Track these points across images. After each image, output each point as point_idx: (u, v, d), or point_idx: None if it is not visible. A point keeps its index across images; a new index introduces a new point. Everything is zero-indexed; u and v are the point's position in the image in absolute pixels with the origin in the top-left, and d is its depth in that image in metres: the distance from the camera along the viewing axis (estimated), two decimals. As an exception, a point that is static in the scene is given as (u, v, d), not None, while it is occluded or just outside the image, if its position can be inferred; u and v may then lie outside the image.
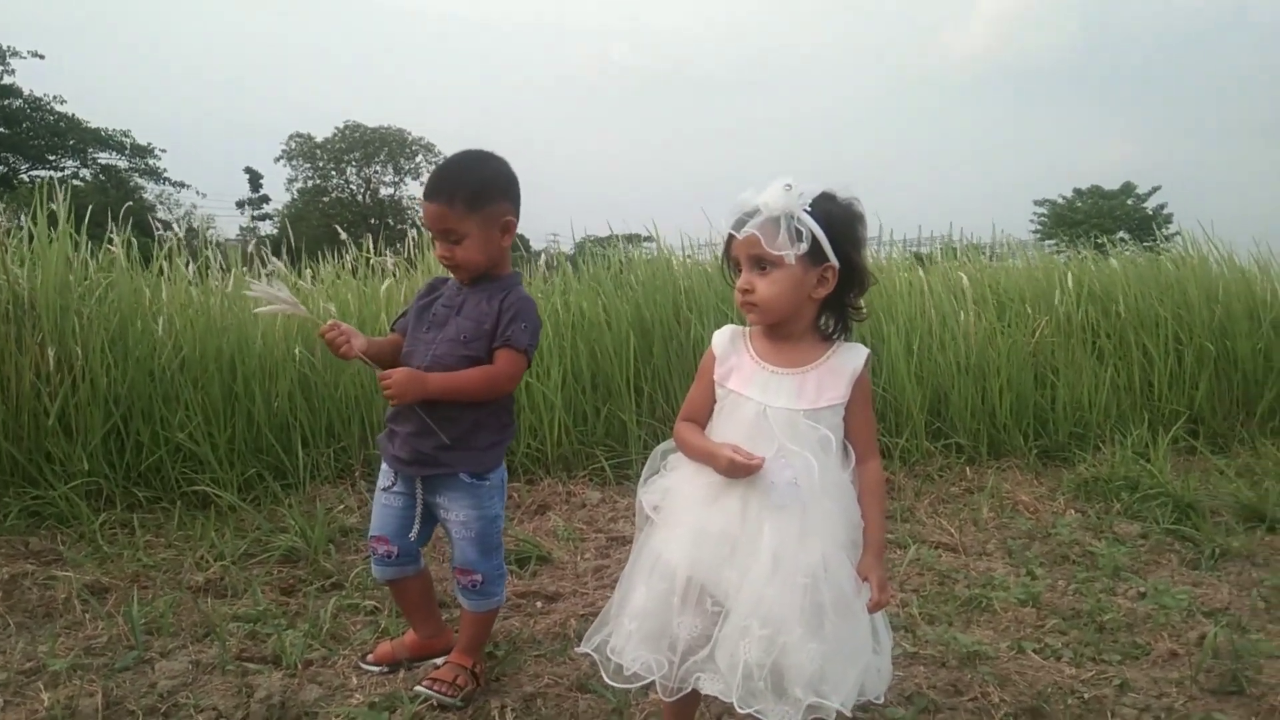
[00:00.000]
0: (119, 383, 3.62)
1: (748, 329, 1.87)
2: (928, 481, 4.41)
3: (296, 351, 3.89)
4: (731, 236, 1.74)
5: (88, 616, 2.62)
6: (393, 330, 2.34)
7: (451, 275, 2.27)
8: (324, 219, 55.48)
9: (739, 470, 1.68)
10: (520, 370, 2.22)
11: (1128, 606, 2.93)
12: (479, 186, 2.14)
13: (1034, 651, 2.56)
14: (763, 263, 1.70)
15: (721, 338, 1.88)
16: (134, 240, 4.36)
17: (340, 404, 3.96)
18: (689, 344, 4.46)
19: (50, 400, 3.49)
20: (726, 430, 1.79)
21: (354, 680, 2.32)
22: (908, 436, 4.54)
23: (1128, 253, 7.53)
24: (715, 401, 1.85)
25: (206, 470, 3.61)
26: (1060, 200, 46.04)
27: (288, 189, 48.96)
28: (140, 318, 3.87)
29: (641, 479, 1.91)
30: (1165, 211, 43.94)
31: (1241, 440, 5.22)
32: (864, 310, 1.88)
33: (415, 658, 2.41)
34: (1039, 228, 48.11)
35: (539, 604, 2.93)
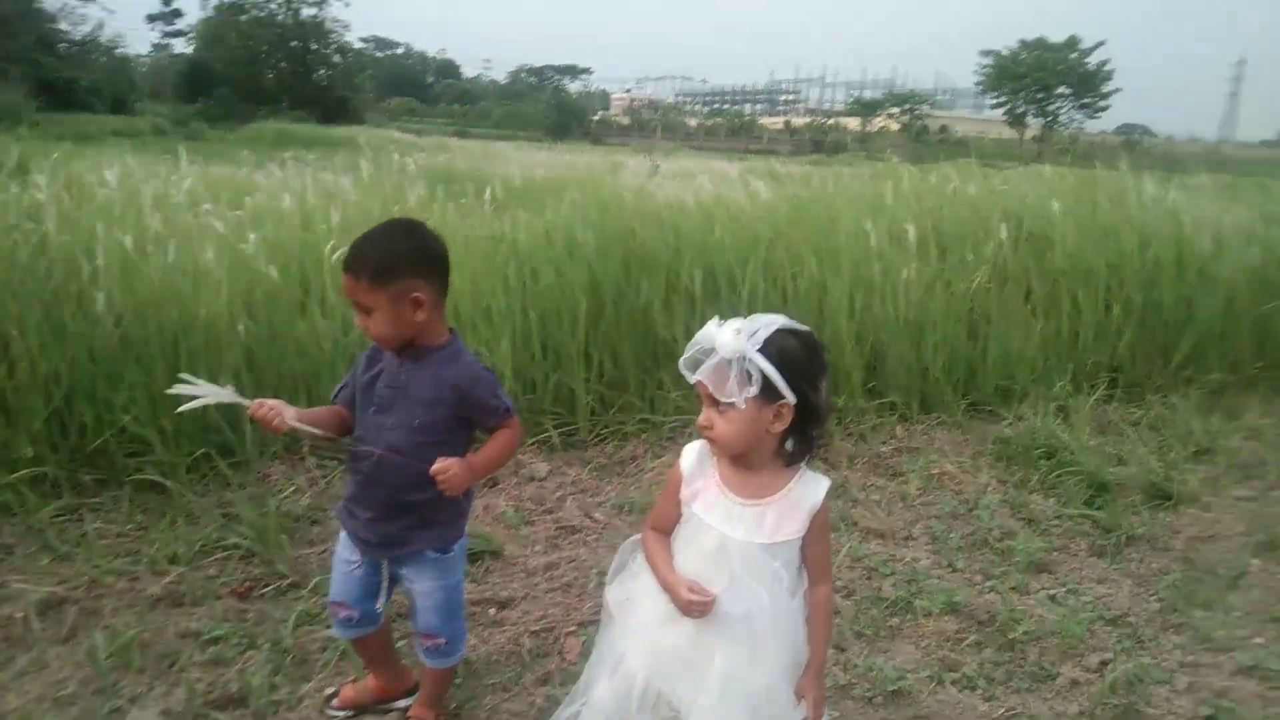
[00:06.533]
0: (57, 360, 3.54)
1: None
2: (860, 442, 4.60)
3: (241, 328, 3.81)
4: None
5: (51, 651, 2.68)
6: (334, 401, 2.30)
7: None
8: (242, 39, 52.18)
9: (695, 612, 1.81)
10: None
11: (1038, 615, 3.18)
12: (385, 262, 2.07)
13: (952, 684, 2.80)
14: (719, 403, 1.76)
15: (689, 458, 1.94)
16: (62, 182, 4.16)
17: (286, 379, 3.92)
18: (639, 306, 4.47)
19: (-13, 384, 3.41)
20: (688, 554, 1.91)
21: (321, 728, 2.46)
22: (845, 398, 4.70)
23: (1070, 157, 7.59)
24: (680, 517, 1.94)
25: (153, 452, 3.59)
26: (1005, 52, 45.56)
27: (203, 6, 45.89)
28: (76, 282, 3.74)
29: (610, 572, 2.04)
30: (1107, 68, 44.02)
31: (1157, 388, 5.49)
32: (826, 437, 1.96)
33: (379, 702, 2.54)
34: (983, 78, 47.88)
35: (492, 611, 3.07)
